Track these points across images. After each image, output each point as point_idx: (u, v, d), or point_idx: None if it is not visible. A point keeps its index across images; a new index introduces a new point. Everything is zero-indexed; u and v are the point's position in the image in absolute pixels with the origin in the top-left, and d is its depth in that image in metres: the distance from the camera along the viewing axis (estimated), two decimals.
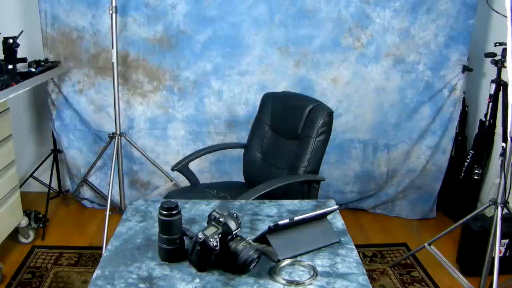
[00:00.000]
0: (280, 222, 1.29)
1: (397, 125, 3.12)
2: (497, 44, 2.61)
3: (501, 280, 2.13)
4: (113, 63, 2.74)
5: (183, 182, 3.02)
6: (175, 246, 1.29)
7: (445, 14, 2.90)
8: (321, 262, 1.31)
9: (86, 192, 3.30)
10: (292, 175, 2.18)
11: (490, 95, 2.87)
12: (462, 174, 3.13)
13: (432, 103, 3.07)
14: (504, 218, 2.11)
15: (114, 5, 2.63)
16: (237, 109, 3.10)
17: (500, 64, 2.69)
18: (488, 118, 2.94)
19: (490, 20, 3.02)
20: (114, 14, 2.64)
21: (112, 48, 2.71)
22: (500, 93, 2.80)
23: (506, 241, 2.44)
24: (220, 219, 1.24)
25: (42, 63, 2.77)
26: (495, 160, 2.97)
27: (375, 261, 2.68)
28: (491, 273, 2.07)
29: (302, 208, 1.69)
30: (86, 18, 2.93)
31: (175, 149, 3.19)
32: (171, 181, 3.16)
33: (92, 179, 3.24)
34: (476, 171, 3.03)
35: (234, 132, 3.15)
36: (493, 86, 2.83)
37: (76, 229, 3.00)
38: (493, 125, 2.94)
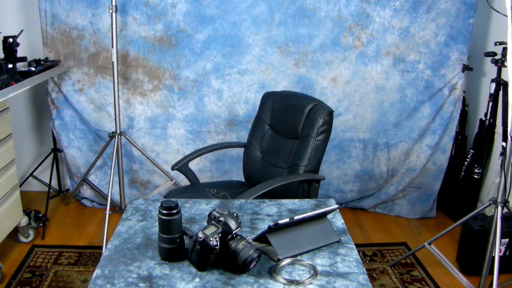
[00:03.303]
0: (280, 222, 1.29)
1: (397, 124, 3.12)
2: (497, 43, 2.61)
3: (501, 280, 2.13)
4: (113, 62, 2.74)
5: (183, 181, 3.02)
6: (175, 246, 1.29)
7: (445, 13, 2.89)
8: (321, 261, 1.31)
9: (86, 191, 3.30)
10: (292, 174, 2.17)
11: (490, 94, 2.87)
12: (462, 173, 3.13)
13: (432, 102, 3.07)
14: (504, 218, 2.12)
15: (114, 4, 2.62)
16: (237, 108, 3.10)
17: (500, 63, 2.69)
18: (488, 117, 2.94)
19: (490, 19, 3.02)
20: (114, 13, 2.64)
21: (112, 47, 2.71)
22: (500, 92, 2.80)
23: (506, 240, 2.44)
24: (220, 219, 1.24)
25: (42, 62, 2.76)
26: (495, 160, 2.97)
27: (375, 260, 2.68)
28: (491, 272, 2.07)
29: (302, 207, 1.69)
30: (86, 17, 2.93)
31: (175, 148, 3.19)
32: (171, 180, 3.16)
33: (92, 178, 3.24)
34: (476, 170, 3.03)
35: (234, 131, 3.15)
36: (493, 85, 2.83)
37: (76, 229, 3.00)
38: (493, 124, 2.94)
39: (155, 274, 1.23)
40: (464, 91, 3.11)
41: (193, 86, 3.06)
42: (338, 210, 1.59)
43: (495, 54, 2.72)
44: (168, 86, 3.06)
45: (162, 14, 2.92)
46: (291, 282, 1.21)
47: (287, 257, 1.31)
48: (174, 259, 1.30)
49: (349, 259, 1.33)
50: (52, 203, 3.19)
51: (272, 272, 1.24)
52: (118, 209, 3.08)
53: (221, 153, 3.18)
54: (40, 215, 2.88)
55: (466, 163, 3.10)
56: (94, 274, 1.23)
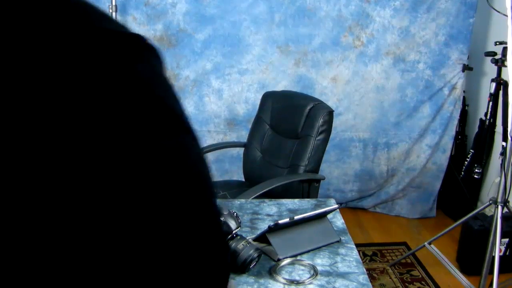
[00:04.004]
0: (280, 221, 1.29)
1: (397, 124, 3.12)
2: (497, 43, 2.61)
3: (501, 279, 2.13)
4: None
5: None
6: None
7: (445, 13, 2.89)
8: (321, 261, 1.31)
9: None
10: (292, 174, 2.17)
11: (490, 94, 2.87)
12: (462, 173, 3.13)
13: (432, 102, 3.07)
14: (504, 217, 2.11)
15: (114, 4, 2.63)
16: (237, 108, 3.10)
17: (500, 63, 2.69)
18: (488, 117, 2.94)
19: (490, 19, 3.02)
20: (114, 13, 2.64)
21: None
22: (500, 92, 2.80)
23: (506, 240, 2.44)
24: (220, 218, 1.24)
25: None
26: (495, 159, 2.97)
27: (375, 260, 2.68)
28: (491, 272, 2.07)
29: (302, 207, 1.68)
30: None
31: None
32: None
33: None
34: (476, 170, 3.03)
35: (234, 131, 3.15)
36: (493, 85, 2.83)
37: None
38: (493, 124, 2.94)
39: None
40: (464, 91, 3.11)
41: (193, 86, 3.06)
42: (338, 210, 1.59)
43: (495, 54, 2.72)
44: None
45: (162, 14, 2.91)
46: (291, 282, 1.21)
47: (287, 257, 1.31)
48: None
49: (349, 259, 1.33)
50: None
51: (272, 272, 1.24)
52: None
53: (221, 153, 3.18)
54: None
55: (466, 163, 3.10)
56: None
